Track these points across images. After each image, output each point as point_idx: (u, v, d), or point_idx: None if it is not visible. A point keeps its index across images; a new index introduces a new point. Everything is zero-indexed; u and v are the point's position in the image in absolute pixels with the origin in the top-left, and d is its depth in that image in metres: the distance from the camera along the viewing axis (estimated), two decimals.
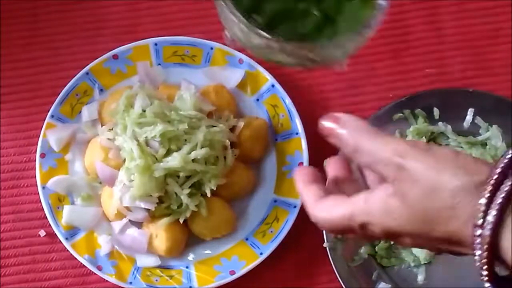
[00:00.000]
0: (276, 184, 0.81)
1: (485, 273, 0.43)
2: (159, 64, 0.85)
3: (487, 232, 0.41)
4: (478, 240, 0.42)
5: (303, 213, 0.78)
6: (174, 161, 0.74)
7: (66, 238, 0.78)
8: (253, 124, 0.81)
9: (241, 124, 0.80)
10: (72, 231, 0.79)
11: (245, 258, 0.78)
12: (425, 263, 0.78)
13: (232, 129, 0.81)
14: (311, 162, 0.79)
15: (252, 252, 0.78)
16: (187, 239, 0.79)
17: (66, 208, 0.79)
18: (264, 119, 0.82)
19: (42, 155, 0.81)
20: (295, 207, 0.79)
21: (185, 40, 0.85)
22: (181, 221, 0.77)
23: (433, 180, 0.43)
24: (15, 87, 0.87)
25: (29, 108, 0.86)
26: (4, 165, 0.84)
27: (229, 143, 0.78)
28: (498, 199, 0.41)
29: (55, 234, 0.78)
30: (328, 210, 0.50)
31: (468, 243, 0.43)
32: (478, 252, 0.42)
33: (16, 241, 0.81)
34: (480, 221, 0.41)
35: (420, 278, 0.78)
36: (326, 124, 0.50)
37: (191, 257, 0.79)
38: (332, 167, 0.56)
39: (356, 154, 0.48)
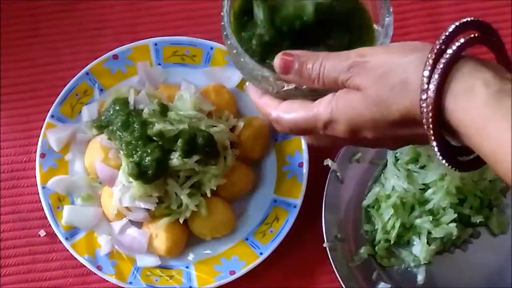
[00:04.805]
0: (276, 184, 0.81)
1: (431, 132, 0.46)
2: (159, 64, 0.85)
3: (431, 94, 0.45)
4: (424, 104, 0.45)
5: (303, 213, 0.79)
6: (173, 160, 0.74)
7: (66, 238, 0.78)
8: (253, 124, 0.81)
9: (241, 124, 0.80)
10: (72, 231, 0.79)
11: (245, 258, 0.78)
12: (425, 263, 0.78)
13: (232, 129, 0.80)
14: (311, 162, 0.79)
15: (252, 252, 0.78)
16: (187, 239, 0.79)
17: (66, 208, 0.79)
18: (264, 119, 0.82)
19: (42, 155, 0.81)
20: (295, 207, 0.79)
21: (185, 40, 0.85)
22: (181, 221, 0.77)
23: (385, 63, 0.49)
24: (15, 87, 0.87)
25: (29, 108, 0.86)
26: (4, 165, 0.84)
27: (229, 143, 0.78)
28: (440, 65, 0.45)
29: (55, 234, 0.78)
30: (294, 110, 0.54)
31: (422, 118, 0.46)
32: (425, 116, 0.46)
33: (16, 241, 0.81)
34: (425, 86, 0.45)
35: (420, 278, 0.78)
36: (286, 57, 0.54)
37: (191, 257, 0.79)
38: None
39: (319, 67, 0.53)
